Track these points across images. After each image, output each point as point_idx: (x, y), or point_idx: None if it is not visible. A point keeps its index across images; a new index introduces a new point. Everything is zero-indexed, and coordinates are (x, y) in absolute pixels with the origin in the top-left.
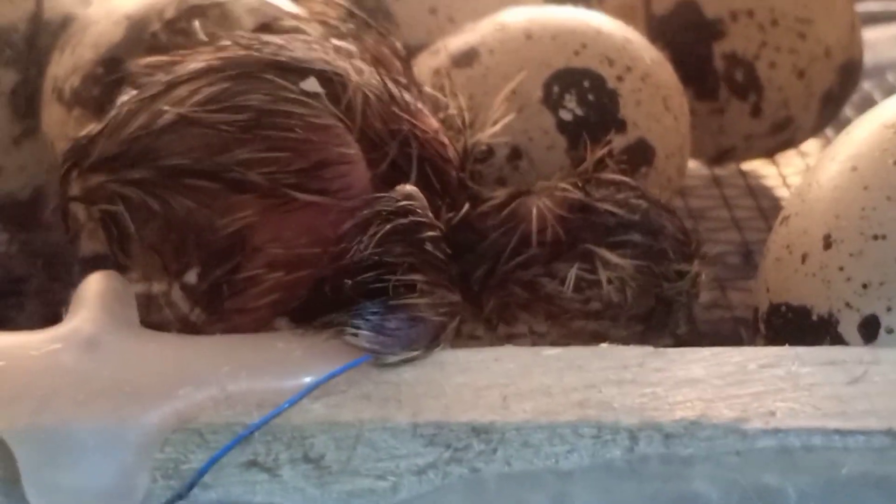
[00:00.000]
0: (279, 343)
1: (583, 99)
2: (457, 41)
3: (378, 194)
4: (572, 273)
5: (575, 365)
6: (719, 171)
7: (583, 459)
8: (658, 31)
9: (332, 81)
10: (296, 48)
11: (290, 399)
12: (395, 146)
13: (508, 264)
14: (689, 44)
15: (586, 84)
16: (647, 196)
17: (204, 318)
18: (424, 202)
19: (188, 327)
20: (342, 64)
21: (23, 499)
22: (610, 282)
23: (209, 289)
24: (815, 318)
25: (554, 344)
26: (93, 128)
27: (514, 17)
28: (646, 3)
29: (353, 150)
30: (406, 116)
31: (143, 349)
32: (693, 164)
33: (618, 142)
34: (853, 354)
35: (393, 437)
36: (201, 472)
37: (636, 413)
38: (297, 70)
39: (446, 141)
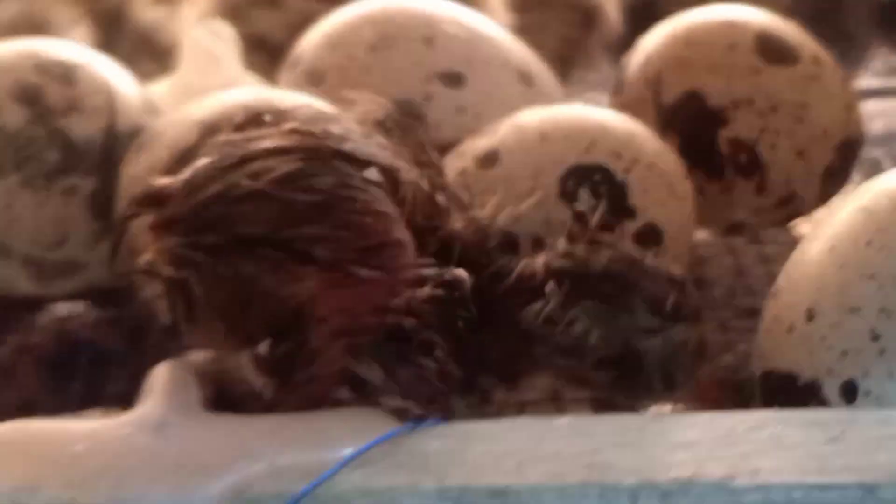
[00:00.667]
0: (321, 420)
1: (595, 191)
2: (479, 144)
3: (429, 270)
4: (546, 308)
5: (582, 432)
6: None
7: None
8: (667, 120)
9: (389, 174)
10: (356, 140)
11: (332, 469)
12: (435, 242)
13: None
14: (696, 130)
15: (597, 178)
16: (627, 255)
17: (274, 390)
18: (467, 287)
19: (258, 401)
20: (396, 160)
21: None
22: (574, 320)
23: (280, 360)
24: (800, 383)
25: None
26: (166, 183)
27: (529, 119)
28: (655, 95)
29: (406, 235)
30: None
31: (203, 430)
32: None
33: (628, 227)
34: (832, 416)
35: (421, 501)
36: None
37: (635, 473)
38: (359, 160)
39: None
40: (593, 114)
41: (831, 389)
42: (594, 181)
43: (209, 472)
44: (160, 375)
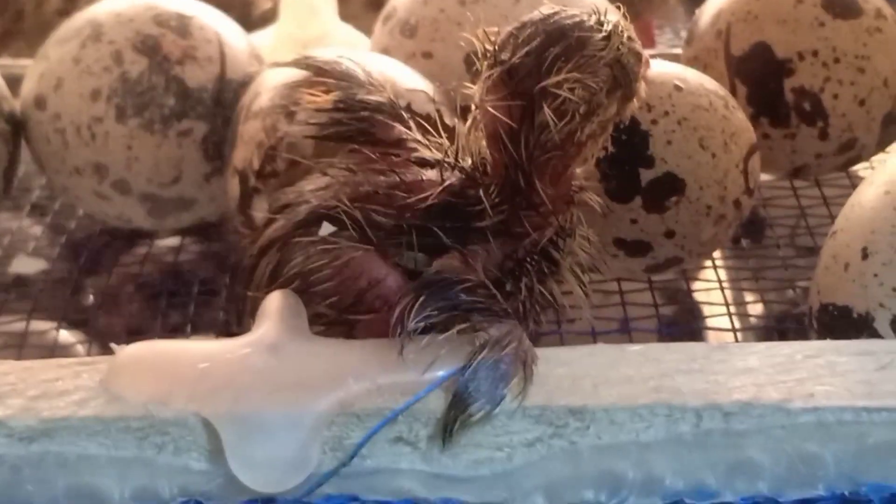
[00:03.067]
0: (419, 345)
1: (616, 139)
2: None
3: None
4: None
5: (652, 358)
6: (798, 182)
7: (658, 433)
8: (736, 69)
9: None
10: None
11: (427, 388)
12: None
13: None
14: (764, 80)
15: (621, 125)
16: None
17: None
18: (455, 265)
19: None
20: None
21: (225, 466)
22: None
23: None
24: (855, 315)
25: None
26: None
27: None
28: (726, 46)
29: (381, 268)
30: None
31: (313, 352)
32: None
33: (646, 175)
34: (882, 346)
35: (507, 418)
36: (359, 446)
37: (701, 396)
38: (313, 221)
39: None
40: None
41: (882, 322)
42: (617, 129)
43: (318, 389)
44: (273, 302)
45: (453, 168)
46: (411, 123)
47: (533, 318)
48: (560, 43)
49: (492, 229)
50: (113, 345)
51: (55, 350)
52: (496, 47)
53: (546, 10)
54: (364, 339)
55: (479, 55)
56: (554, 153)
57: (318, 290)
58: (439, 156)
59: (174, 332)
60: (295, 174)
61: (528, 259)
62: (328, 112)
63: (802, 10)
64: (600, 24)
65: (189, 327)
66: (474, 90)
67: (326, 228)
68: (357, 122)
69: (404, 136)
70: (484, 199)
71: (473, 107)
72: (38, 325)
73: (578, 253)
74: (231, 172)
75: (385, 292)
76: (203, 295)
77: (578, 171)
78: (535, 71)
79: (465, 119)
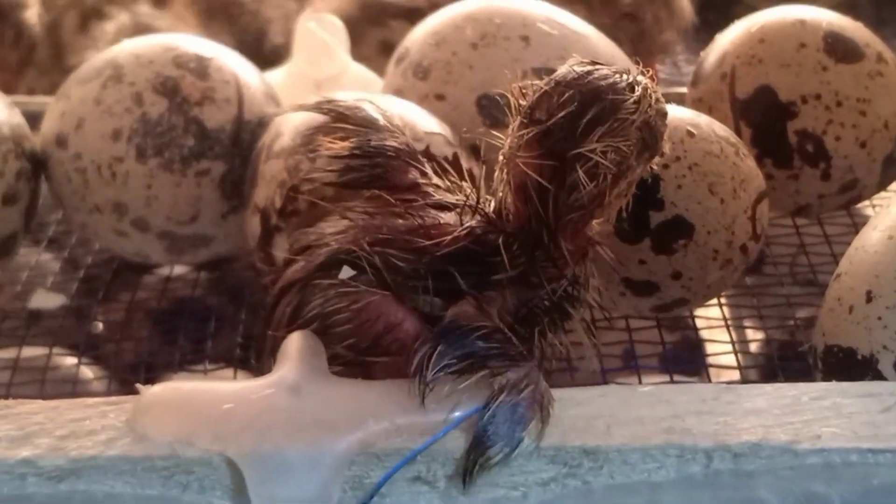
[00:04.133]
0: (437, 386)
1: None
2: None
3: (426, 333)
4: None
5: (663, 399)
6: (800, 220)
7: (669, 474)
8: (741, 111)
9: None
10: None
11: (445, 429)
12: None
13: None
14: (768, 122)
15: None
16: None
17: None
18: (470, 312)
19: None
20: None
21: None
22: None
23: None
24: (859, 357)
25: None
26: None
27: None
28: (730, 88)
29: (398, 312)
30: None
31: (333, 393)
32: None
33: (656, 218)
34: (887, 388)
35: (523, 458)
36: (379, 486)
37: (711, 437)
38: (332, 264)
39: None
40: None
41: (886, 364)
42: None
43: (339, 429)
44: (293, 342)
45: (474, 212)
46: (427, 168)
47: (543, 361)
48: (595, 106)
49: (509, 278)
50: (138, 385)
51: (76, 385)
52: (531, 105)
53: (580, 69)
54: (383, 381)
55: (512, 109)
56: (580, 213)
57: (336, 331)
58: (459, 199)
59: (190, 364)
60: (316, 213)
61: (542, 308)
62: (345, 159)
63: (805, 54)
64: (632, 85)
65: (206, 361)
66: (503, 141)
67: (346, 272)
68: (372, 169)
69: (420, 181)
70: (502, 250)
71: (501, 157)
72: (58, 359)
73: (590, 302)
74: (252, 210)
75: (402, 336)
76: (219, 328)
77: (595, 223)
78: (571, 134)
79: (479, 161)
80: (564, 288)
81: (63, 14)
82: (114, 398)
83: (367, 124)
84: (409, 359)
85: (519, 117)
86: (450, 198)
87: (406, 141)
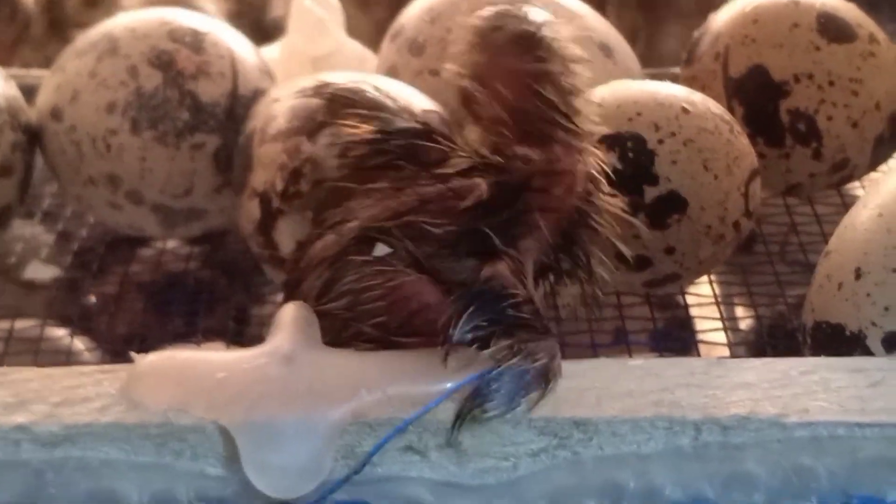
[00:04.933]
0: (427, 357)
1: (624, 156)
2: None
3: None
4: None
5: (653, 373)
6: (790, 200)
7: (658, 445)
8: (734, 90)
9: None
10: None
11: (436, 399)
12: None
13: None
14: (760, 101)
15: (629, 144)
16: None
17: None
18: (506, 275)
19: None
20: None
21: (241, 472)
22: None
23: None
24: (848, 333)
25: None
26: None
27: (602, 91)
28: (724, 68)
29: (432, 293)
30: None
31: (327, 363)
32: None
33: (650, 192)
34: (874, 363)
35: (513, 428)
36: (370, 455)
37: (700, 410)
38: (364, 240)
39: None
40: (656, 88)
41: (874, 340)
42: (625, 147)
43: (332, 399)
44: (287, 313)
45: (490, 167)
46: (443, 142)
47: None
48: None
49: (539, 207)
50: (132, 353)
51: (70, 356)
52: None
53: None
54: (376, 352)
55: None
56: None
57: (366, 309)
58: (476, 161)
59: (181, 337)
60: (319, 194)
61: (577, 224)
62: (368, 143)
63: (798, 34)
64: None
65: (199, 335)
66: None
67: (380, 249)
68: (400, 149)
69: (438, 156)
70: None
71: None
72: (51, 331)
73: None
74: (249, 195)
75: (434, 317)
76: (211, 302)
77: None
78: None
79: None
80: (582, 190)
81: None
82: (108, 366)
83: (378, 106)
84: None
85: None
86: (467, 162)
87: (420, 119)
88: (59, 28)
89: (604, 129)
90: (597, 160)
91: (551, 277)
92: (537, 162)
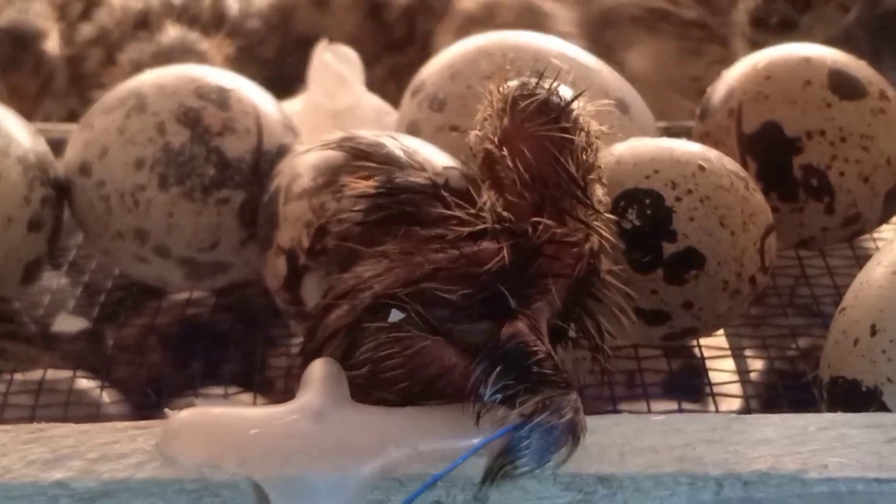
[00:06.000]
0: (455, 412)
1: (642, 213)
2: None
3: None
4: None
5: (675, 428)
6: (803, 252)
7: (681, 501)
8: (747, 146)
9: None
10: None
11: (464, 455)
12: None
13: None
14: (773, 157)
15: (647, 201)
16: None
17: None
18: (526, 332)
19: None
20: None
21: None
22: None
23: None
24: (864, 389)
25: None
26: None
27: (619, 147)
28: (737, 124)
29: (452, 356)
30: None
31: (356, 419)
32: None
33: (668, 249)
34: (891, 419)
35: (539, 483)
36: None
37: (722, 466)
38: (378, 308)
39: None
40: (672, 145)
41: (890, 396)
42: (643, 204)
43: (362, 455)
44: (316, 370)
45: (504, 232)
46: (450, 201)
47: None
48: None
49: (552, 273)
50: (167, 410)
51: (99, 408)
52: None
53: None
54: (404, 408)
55: (493, 101)
56: (593, 172)
57: (387, 377)
58: (488, 224)
59: (205, 387)
60: (345, 252)
61: (582, 293)
62: (371, 198)
63: (811, 91)
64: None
65: (224, 385)
66: (478, 136)
67: (395, 315)
68: (400, 206)
69: (447, 215)
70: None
71: (483, 152)
72: (80, 382)
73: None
74: (275, 252)
75: (456, 380)
76: (234, 352)
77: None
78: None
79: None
80: (589, 264)
81: (86, 49)
82: (142, 423)
83: (391, 161)
84: (461, 399)
85: (500, 103)
86: (479, 225)
87: (429, 176)
88: (79, 83)
89: (608, 207)
90: (603, 236)
91: (561, 342)
92: (551, 230)
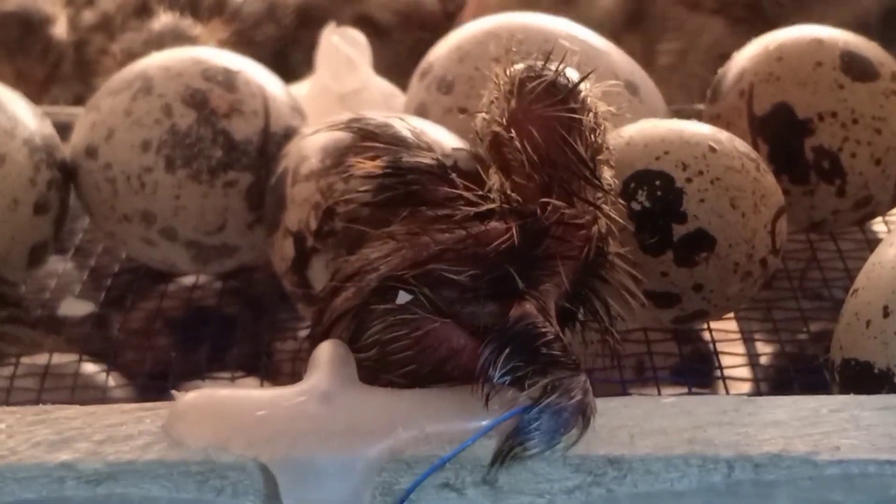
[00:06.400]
0: (464, 394)
1: (652, 194)
2: None
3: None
4: None
5: (685, 410)
6: (814, 236)
7: (691, 483)
8: (758, 128)
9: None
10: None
11: (473, 437)
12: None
13: None
14: (785, 139)
15: (657, 183)
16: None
17: None
18: (534, 314)
19: None
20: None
21: None
22: None
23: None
24: (876, 371)
25: None
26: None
27: (629, 129)
28: (748, 106)
29: (460, 338)
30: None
31: (364, 401)
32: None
33: (679, 230)
34: None
35: (548, 466)
36: (408, 492)
37: (732, 447)
38: (385, 290)
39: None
40: (683, 126)
41: None
42: (654, 185)
43: (369, 437)
44: (324, 352)
45: (512, 213)
46: (458, 182)
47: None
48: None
49: (561, 255)
50: (173, 392)
51: (105, 391)
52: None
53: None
54: (412, 389)
55: (500, 83)
56: (602, 154)
57: (395, 359)
58: (495, 205)
59: (213, 371)
60: (353, 234)
61: (590, 275)
62: (377, 178)
63: (822, 72)
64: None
65: (230, 370)
66: (485, 119)
67: (403, 297)
68: (406, 186)
69: (453, 195)
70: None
71: (489, 136)
72: (86, 366)
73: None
74: (283, 234)
75: (464, 362)
76: (240, 337)
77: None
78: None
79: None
80: (597, 246)
81: (88, 34)
82: (149, 404)
83: (398, 142)
84: (469, 381)
85: (507, 86)
86: (486, 205)
87: (437, 157)
88: (84, 69)
89: (617, 188)
90: (611, 218)
91: (570, 325)
92: (560, 211)
